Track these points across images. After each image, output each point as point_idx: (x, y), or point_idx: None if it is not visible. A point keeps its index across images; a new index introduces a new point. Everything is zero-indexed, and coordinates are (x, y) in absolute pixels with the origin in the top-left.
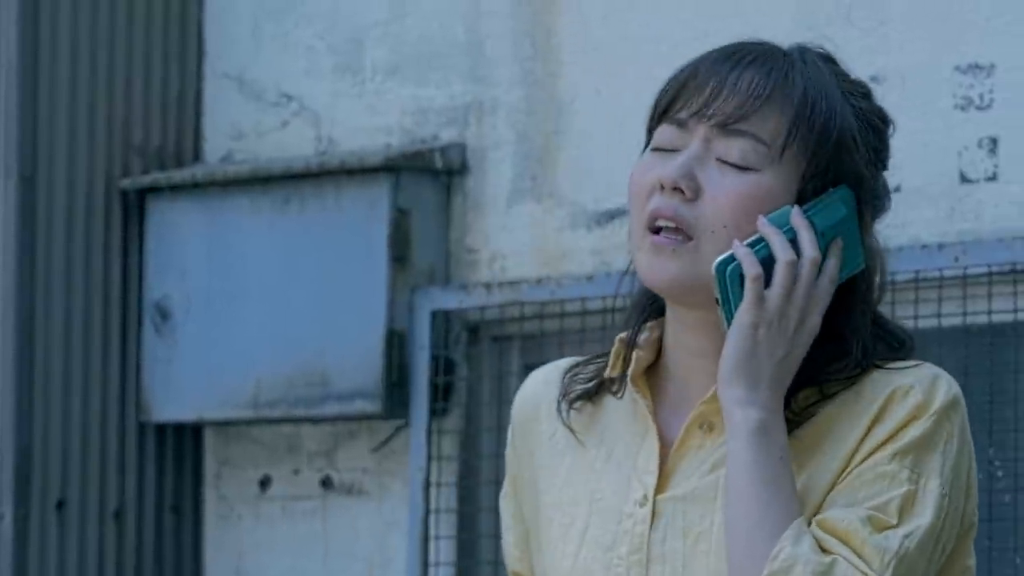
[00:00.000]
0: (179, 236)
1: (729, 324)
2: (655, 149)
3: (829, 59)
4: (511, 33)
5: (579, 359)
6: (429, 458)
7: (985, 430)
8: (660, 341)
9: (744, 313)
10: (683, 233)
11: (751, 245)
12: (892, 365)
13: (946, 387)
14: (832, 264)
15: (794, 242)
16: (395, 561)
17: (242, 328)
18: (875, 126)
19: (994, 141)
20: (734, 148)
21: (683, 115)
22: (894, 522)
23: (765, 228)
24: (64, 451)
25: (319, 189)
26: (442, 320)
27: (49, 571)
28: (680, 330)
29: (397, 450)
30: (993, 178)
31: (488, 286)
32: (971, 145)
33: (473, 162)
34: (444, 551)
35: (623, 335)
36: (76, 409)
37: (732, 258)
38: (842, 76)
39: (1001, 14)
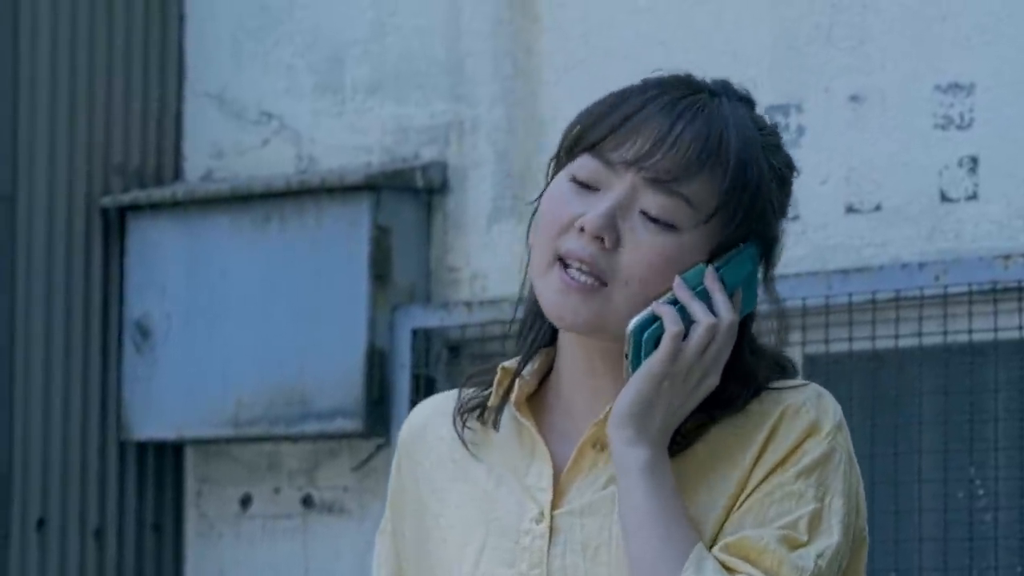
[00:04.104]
0: (159, 254)
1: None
2: (576, 181)
3: (749, 101)
4: (492, 52)
5: (472, 386)
6: None
7: (966, 449)
8: (544, 370)
9: (656, 363)
10: (596, 278)
11: (670, 303)
12: (778, 384)
13: (833, 406)
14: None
15: (706, 301)
16: None
17: (222, 346)
18: (785, 179)
19: (974, 160)
20: (661, 205)
21: (614, 157)
22: (804, 539)
23: (682, 292)
24: (44, 470)
25: (299, 207)
26: (423, 338)
27: None
28: (572, 345)
29: (378, 469)
30: (973, 197)
31: (469, 305)
32: (951, 164)
33: (454, 181)
34: None
35: (506, 364)
36: (56, 428)
37: (648, 322)
38: (761, 125)
39: (981, 33)
